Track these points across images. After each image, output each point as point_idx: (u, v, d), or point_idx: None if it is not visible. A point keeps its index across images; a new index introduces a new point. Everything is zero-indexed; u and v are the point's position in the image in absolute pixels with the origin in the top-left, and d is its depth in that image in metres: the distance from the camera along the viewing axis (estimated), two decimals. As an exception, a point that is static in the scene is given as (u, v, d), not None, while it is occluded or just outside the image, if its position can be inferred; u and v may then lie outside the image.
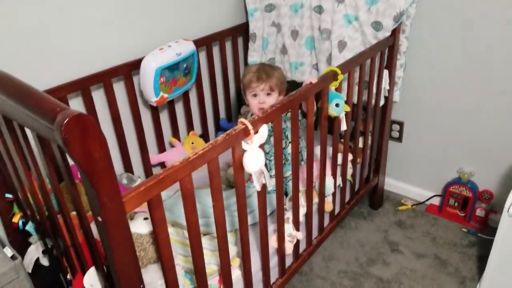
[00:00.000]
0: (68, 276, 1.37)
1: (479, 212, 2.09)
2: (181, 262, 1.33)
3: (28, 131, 1.02)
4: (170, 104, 1.98)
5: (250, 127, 1.12)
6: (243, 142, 1.14)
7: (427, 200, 2.29)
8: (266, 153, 1.67)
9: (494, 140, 1.95)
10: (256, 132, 1.15)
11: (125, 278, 0.90)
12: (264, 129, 1.17)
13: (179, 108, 2.07)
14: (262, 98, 1.64)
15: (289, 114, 1.42)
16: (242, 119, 1.13)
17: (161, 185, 0.92)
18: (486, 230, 2.07)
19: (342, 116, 1.52)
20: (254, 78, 1.63)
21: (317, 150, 1.65)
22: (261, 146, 1.18)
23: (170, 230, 1.37)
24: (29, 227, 1.42)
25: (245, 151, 1.14)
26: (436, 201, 2.27)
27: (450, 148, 2.11)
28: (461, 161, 2.11)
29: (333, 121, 1.57)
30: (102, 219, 0.81)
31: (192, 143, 2.08)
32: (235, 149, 1.12)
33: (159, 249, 0.99)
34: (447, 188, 2.15)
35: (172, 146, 2.08)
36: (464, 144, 2.06)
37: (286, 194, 1.68)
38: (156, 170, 2.05)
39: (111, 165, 0.78)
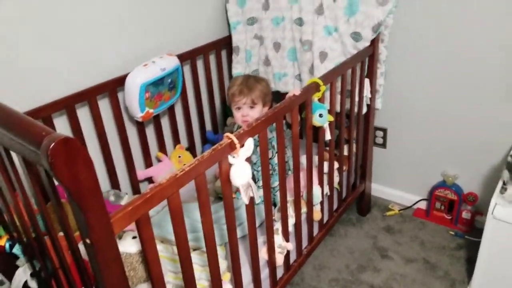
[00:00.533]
0: (57, 298, 1.35)
1: (465, 215, 2.13)
2: (171, 279, 1.33)
3: (13, 153, 1.02)
4: (156, 119, 1.98)
5: (236, 141, 1.13)
6: (229, 156, 1.15)
7: (413, 204, 2.32)
8: (253, 164, 1.69)
9: (476, 142, 2.00)
10: (242, 145, 1.16)
11: (116, 299, 0.90)
12: (250, 143, 1.18)
13: (164, 122, 2.07)
14: (245, 111, 1.66)
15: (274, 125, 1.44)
16: (227, 134, 1.14)
17: (149, 204, 0.92)
18: (473, 232, 2.10)
19: (326, 126, 1.55)
20: (236, 92, 1.66)
21: (303, 159, 1.67)
22: (248, 159, 1.19)
23: (159, 247, 1.37)
24: (16, 249, 1.39)
25: (231, 164, 1.15)
26: (422, 205, 2.31)
27: (433, 152, 2.15)
28: (445, 165, 2.15)
29: (317, 130, 1.60)
30: (90, 241, 0.80)
31: (179, 156, 2.08)
32: (221, 164, 1.13)
33: (149, 268, 0.98)
34: (432, 191, 2.18)
35: (159, 160, 2.07)
36: (447, 147, 2.10)
37: (275, 205, 1.69)
38: (143, 185, 2.04)
39: (98, 187, 0.78)
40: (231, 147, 1.13)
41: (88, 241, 0.81)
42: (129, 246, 1.18)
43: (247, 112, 1.65)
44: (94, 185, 0.77)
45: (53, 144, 0.70)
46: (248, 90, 1.64)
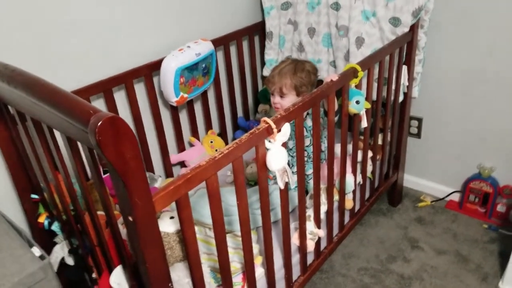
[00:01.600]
0: (94, 275, 1.40)
1: (500, 208, 2.06)
2: (204, 260, 1.35)
3: (56, 133, 1.05)
4: (189, 104, 2.00)
5: (273, 125, 1.12)
6: (266, 141, 1.15)
7: (446, 196, 2.27)
8: (289, 150, 1.68)
9: (515, 134, 1.93)
10: (279, 130, 1.15)
11: (155, 276, 0.92)
12: (286, 128, 1.17)
13: (197, 108, 2.09)
14: (276, 99, 1.64)
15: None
16: (265, 118, 1.13)
17: (189, 185, 0.93)
18: (508, 225, 2.04)
19: (363, 113, 1.52)
20: (270, 77, 1.65)
21: (337, 148, 1.65)
22: (284, 145, 1.19)
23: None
24: (55, 227, 1.44)
25: (268, 149, 1.15)
26: (455, 197, 2.25)
27: (469, 143, 2.09)
28: (481, 157, 2.08)
29: (353, 118, 1.57)
30: (133, 219, 0.82)
31: (211, 142, 2.10)
32: (258, 148, 1.13)
33: (186, 247, 1.00)
34: (467, 184, 2.13)
35: (191, 145, 2.09)
36: (484, 139, 2.03)
37: (307, 192, 1.69)
38: (175, 169, 2.07)
39: (142, 166, 0.80)
40: (268, 132, 1.13)
41: (130, 218, 0.83)
42: (167, 225, 1.20)
43: (278, 100, 1.64)
44: (139, 164, 0.79)
45: (100, 122, 0.72)
46: (279, 79, 1.62)
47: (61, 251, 1.48)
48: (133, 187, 0.79)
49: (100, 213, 1.22)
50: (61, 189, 1.24)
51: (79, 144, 1.00)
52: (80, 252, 1.41)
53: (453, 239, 2.03)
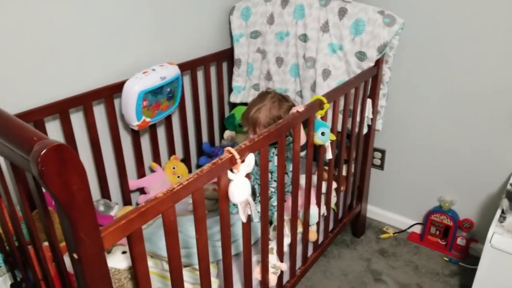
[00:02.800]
0: (38, 311, 1.29)
1: (460, 241, 2.09)
2: (160, 296, 1.27)
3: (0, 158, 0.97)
4: (152, 128, 1.93)
5: (237, 156, 1.08)
6: (229, 172, 1.10)
7: (408, 228, 2.29)
8: (255, 178, 1.64)
9: (475, 169, 1.97)
10: (242, 161, 1.12)
11: (101, 318, 0.84)
12: (250, 158, 1.14)
13: (160, 132, 2.02)
14: (251, 136, 1.63)
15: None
16: (229, 148, 1.10)
17: (143, 218, 0.87)
18: (467, 258, 2.07)
19: (328, 144, 1.51)
20: (244, 120, 1.66)
21: (302, 179, 1.63)
22: (248, 175, 1.15)
23: (149, 262, 1.31)
24: (-3, 258, 1.33)
25: (231, 180, 1.11)
26: (417, 229, 2.27)
27: (431, 176, 2.13)
28: (442, 190, 2.12)
29: (318, 149, 1.56)
30: (78, 257, 0.75)
31: (174, 167, 2.03)
32: (220, 179, 1.09)
33: (139, 286, 0.93)
34: (428, 216, 2.15)
35: (152, 171, 2.02)
36: (444, 173, 2.08)
37: (270, 223, 1.64)
38: (134, 196, 1.98)
39: (90, 199, 0.73)
40: (232, 162, 1.09)
41: (75, 256, 0.76)
42: (118, 261, 1.12)
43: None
44: (86, 196, 0.72)
45: (44, 150, 0.65)
46: (251, 123, 1.62)
47: (3, 284, 1.36)
48: (79, 222, 0.72)
49: (46, 244, 1.13)
50: (4, 217, 1.14)
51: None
52: (24, 287, 1.30)
53: (414, 272, 2.03)
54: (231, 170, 1.11)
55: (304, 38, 1.89)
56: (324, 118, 1.50)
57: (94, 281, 0.79)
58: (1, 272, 1.34)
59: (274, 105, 1.63)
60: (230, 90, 2.27)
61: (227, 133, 2.29)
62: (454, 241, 2.11)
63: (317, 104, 1.42)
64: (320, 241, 1.81)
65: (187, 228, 1.51)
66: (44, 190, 0.93)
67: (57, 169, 0.66)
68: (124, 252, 1.16)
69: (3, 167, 1.00)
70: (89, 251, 0.76)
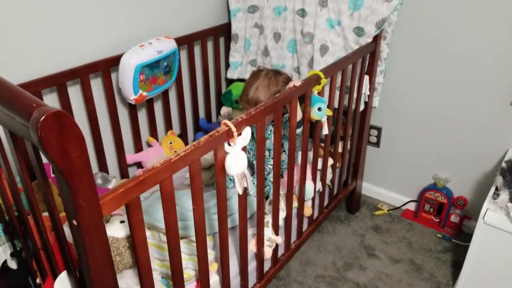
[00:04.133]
0: (38, 280, 1.31)
1: (454, 218, 2.13)
2: (157, 266, 1.29)
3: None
4: (149, 103, 1.93)
5: (233, 129, 1.09)
6: (225, 144, 1.11)
7: (403, 205, 2.32)
8: (254, 154, 1.65)
9: (470, 147, 1.99)
10: (239, 134, 1.12)
11: (101, 284, 0.86)
12: (247, 132, 1.15)
13: (157, 107, 2.03)
14: None
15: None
16: (225, 121, 1.10)
17: (141, 187, 0.88)
18: (460, 236, 2.11)
19: (324, 120, 1.52)
20: (244, 103, 1.65)
21: (297, 154, 1.64)
22: (244, 149, 1.16)
23: (147, 233, 1.33)
24: (-4, 228, 1.35)
25: (227, 153, 1.12)
26: (412, 206, 2.31)
27: (426, 154, 2.15)
28: (437, 168, 2.14)
29: (314, 125, 1.57)
30: (77, 223, 0.77)
31: (171, 142, 2.04)
32: (217, 151, 1.10)
33: (136, 253, 0.95)
34: (423, 193, 2.18)
35: (149, 145, 2.03)
36: (440, 150, 2.09)
37: (266, 198, 1.66)
38: (131, 170, 1.99)
39: (89, 166, 0.74)
40: (228, 135, 1.10)
41: (74, 222, 0.77)
42: (116, 230, 1.14)
43: None
44: (85, 163, 0.73)
45: (43, 117, 0.66)
46: (253, 103, 1.61)
47: (3, 253, 1.38)
48: (78, 189, 0.74)
49: (46, 214, 1.14)
50: (4, 188, 1.16)
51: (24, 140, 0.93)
52: (24, 256, 1.32)
53: (407, 248, 2.07)
54: (228, 143, 1.12)
55: (302, 13, 1.87)
56: (320, 94, 1.50)
57: (92, 247, 0.81)
58: (1, 242, 1.37)
59: (271, 81, 1.63)
60: (227, 65, 2.26)
61: (224, 109, 2.29)
62: (447, 218, 2.15)
63: (314, 79, 1.43)
64: (315, 216, 1.84)
65: (184, 201, 1.53)
66: (43, 160, 0.94)
67: (56, 135, 0.67)
68: (122, 222, 1.17)
69: (3, 137, 1.01)
70: (88, 217, 0.77)
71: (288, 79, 1.67)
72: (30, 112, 0.68)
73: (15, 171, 1.08)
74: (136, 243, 0.93)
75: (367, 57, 1.80)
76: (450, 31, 1.83)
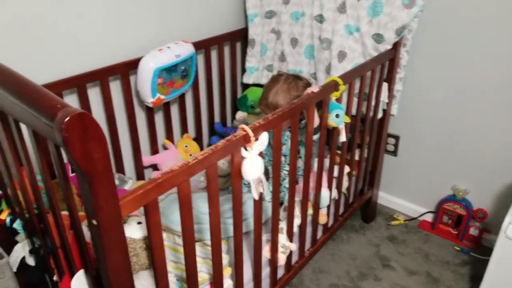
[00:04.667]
0: (54, 278, 1.33)
1: (473, 231, 2.08)
2: (171, 268, 1.30)
3: (23, 126, 0.99)
4: (166, 106, 1.95)
5: (251, 133, 1.09)
6: (242, 149, 1.11)
7: (420, 216, 2.28)
8: (270, 160, 1.65)
9: (491, 159, 1.95)
10: (256, 139, 1.12)
11: (118, 283, 0.87)
12: (264, 137, 1.14)
13: (174, 110, 2.04)
14: None
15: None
16: (243, 126, 1.10)
17: (159, 189, 0.89)
18: (479, 249, 2.06)
19: (342, 127, 1.51)
20: (264, 107, 1.64)
21: (314, 161, 1.64)
22: (261, 154, 1.16)
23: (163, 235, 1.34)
24: (17, 224, 1.37)
25: (244, 158, 1.12)
26: (429, 217, 2.27)
27: (445, 164, 2.11)
28: (456, 178, 2.10)
29: (331, 132, 1.56)
30: (97, 223, 0.77)
31: (186, 146, 2.05)
32: (234, 156, 1.10)
33: (153, 255, 0.95)
34: (441, 205, 2.14)
35: (165, 148, 2.04)
36: (459, 161, 2.06)
37: (281, 204, 1.66)
38: (147, 172, 2.01)
39: (110, 168, 0.75)
40: (245, 140, 1.10)
41: (94, 222, 0.78)
42: (133, 231, 1.15)
43: None
44: (106, 165, 0.74)
45: (68, 118, 0.67)
46: (272, 107, 1.60)
47: (22, 250, 1.41)
48: (99, 189, 0.74)
49: (65, 213, 1.16)
50: (25, 185, 1.17)
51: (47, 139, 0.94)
52: (42, 253, 1.34)
53: (424, 260, 2.03)
54: (245, 148, 1.12)
55: (320, 18, 1.87)
56: (338, 100, 1.49)
57: (111, 247, 0.81)
58: (20, 239, 1.39)
59: (292, 86, 1.62)
60: (244, 70, 2.27)
61: (239, 114, 2.30)
62: (466, 230, 2.10)
63: (332, 86, 1.42)
64: (329, 224, 1.82)
65: (198, 204, 1.54)
66: (65, 160, 0.95)
67: (79, 136, 0.68)
68: (139, 223, 1.18)
69: (25, 136, 1.03)
70: (108, 217, 0.78)
71: (308, 84, 1.67)
72: (55, 113, 0.69)
73: (36, 170, 1.10)
74: (153, 244, 0.93)
75: (386, 64, 1.79)
76: (471, 38, 1.80)
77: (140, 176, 1.94)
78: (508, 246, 1.50)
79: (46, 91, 0.77)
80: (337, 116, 1.45)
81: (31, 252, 1.36)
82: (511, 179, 1.92)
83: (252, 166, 1.12)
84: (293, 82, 1.63)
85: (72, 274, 1.16)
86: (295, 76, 1.68)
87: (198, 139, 2.17)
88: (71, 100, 1.60)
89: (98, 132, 0.71)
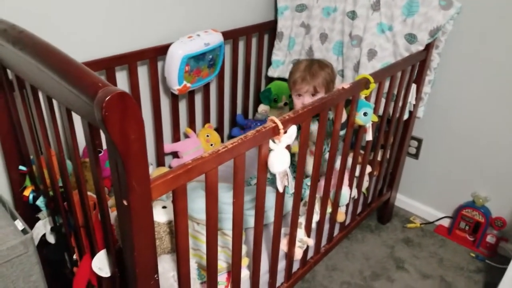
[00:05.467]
0: (74, 256, 1.34)
1: (490, 239, 2.05)
2: (190, 255, 1.30)
3: (55, 104, 1.00)
4: (190, 94, 1.95)
5: (280, 126, 1.09)
6: (270, 141, 1.11)
7: (437, 220, 2.26)
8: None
9: (513, 167, 1.92)
10: (285, 132, 1.12)
11: (143, 266, 0.87)
12: (293, 130, 1.14)
13: (198, 99, 2.04)
14: (306, 99, 1.60)
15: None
16: (272, 117, 1.10)
17: (189, 175, 0.89)
18: (495, 257, 2.04)
19: (369, 125, 1.49)
20: (299, 79, 1.59)
21: (336, 159, 1.62)
22: (288, 147, 1.15)
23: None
24: (40, 202, 1.39)
25: (271, 150, 1.11)
26: (445, 222, 2.24)
27: (466, 170, 2.08)
28: (477, 185, 2.07)
29: (357, 131, 1.54)
30: (128, 204, 0.78)
31: (207, 135, 2.05)
32: (261, 147, 1.09)
33: (177, 240, 0.96)
34: (459, 210, 2.11)
35: (186, 136, 2.05)
36: (481, 168, 2.02)
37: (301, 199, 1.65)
38: (167, 159, 2.02)
39: (145, 149, 0.75)
40: (274, 132, 1.09)
41: (125, 202, 0.79)
42: (159, 214, 1.16)
43: (308, 100, 1.59)
44: (142, 146, 0.75)
45: (109, 96, 0.67)
46: (311, 77, 1.58)
47: (43, 227, 1.42)
48: (133, 170, 0.75)
49: (89, 194, 1.17)
50: (52, 164, 1.19)
51: (75, 119, 0.95)
52: (63, 231, 1.35)
53: (438, 264, 2.01)
54: (273, 140, 1.11)
55: (352, 15, 1.85)
56: (367, 99, 1.47)
57: (140, 228, 0.82)
58: (42, 216, 1.41)
59: (320, 63, 1.64)
60: (269, 63, 2.25)
61: (262, 107, 2.29)
62: (483, 238, 2.07)
63: (363, 83, 1.40)
64: (347, 222, 1.81)
65: (219, 194, 1.54)
66: (103, 138, 0.96)
67: (119, 116, 0.69)
68: (164, 207, 1.19)
69: (57, 115, 1.04)
70: (139, 199, 0.79)
71: (332, 69, 1.66)
72: (95, 91, 0.69)
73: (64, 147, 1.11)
74: (178, 229, 0.94)
75: (416, 65, 1.76)
76: (506, 44, 1.76)
77: (160, 162, 1.95)
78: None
79: (88, 69, 0.77)
80: (365, 114, 1.44)
81: (52, 229, 1.37)
82: (534, 189, 1.89)
83: (279, 158, 1.11)
84: (317, 61, 1.66)
85: (93, 254, 1.17)
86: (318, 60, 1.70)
87: (219, 129, 2.17)
88: (99, 82, 1.61)
89: (137, 113, 0.71)
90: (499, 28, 1.75)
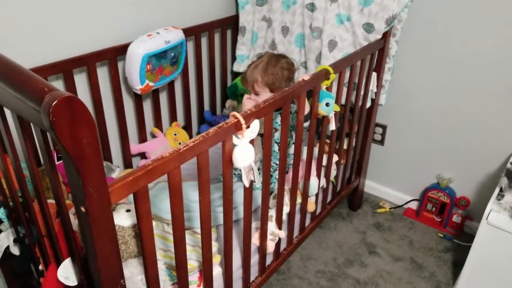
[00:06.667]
0: (40, 267, 1.31)
1: (456, 218, 2.12)
2: (160, 256, 1.29)
3: (7, 112, 0.96)
4: (154, 93, 1.92)
5: (242, 121, 1.09)
6: (234, 137, 1.11)
7: (405, 204, 2.32)
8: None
9: (474, 148, 1.99)
10: (247, 126, 1.12)
11: (107, 271, 0.86)
12: (256, 124, 1.14)
13: (163, 98, 2.02)
14: (252, 96, 1.61)
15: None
16: (234, 113, 1.09)
17: (149, 177, 0.88)
18: (462, 236, 2.11)
19: (332, 115, 1.51)
20: (243, 74, 1.61)
21: (303, 150, 1.64)
22: (252, 142, 1.15)
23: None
24: (1, 213, 1.34)
25: (235, 145, 1.11)
26: (414, 205, 2.30)
27: (430, 153, 2.14)
28: (441, 167, 2.14)
29: (321, 121, 1.56)
30: (86, 210, 0.76)
31: (175, 134, 2.03)
32: (225, 143, 1.09)
33: (143, 243, 0.94)
34: (425, 193, 2.18)
35: (153, 136, 2.02)
36: (444, 150, 2.09)
37: (270, 193, 1.66)
38: (135, 160, 1.99)
39: (99, 153, 0.73)
40: (237, 127, 1.09)
41: (83, 209, 0.77)
42: (123, 219, 1.13)
43: (254, 97, 1.60)
44: (96, 150, 0.73)
45: (56, 101, 0.65)
46: (250, 76, 1.58)
47: (6, 239, 1.38)
48: (88, 176, 0.73)
49: (50, 201, 1.14)
50: (9, 173, 1.15)
51: (32, 125, 0.92)
52: (27, 242, 1.31)
53: (409, 246, 2.07)
54: (236, 136, 1.11)
55: (312, 7, 1.86)
56: (328, 89, 1.49)
57: (100, 235, 0.80)
58: (4, 228, 1.36)
59: (271, 61, 1.59)
60: (234, 58, 2.25)
61: (229, 102, 2.28)
62: (449, 218, 2.14)
63: (323, 74, 1.42)
64: (317, 212, 1.83)
65: (188, 193, 1.53)
66: (51, 147, 0.93)
67: (67, 120, 0.67)
68: (128, 211, 1.17)
69: (10, 122, 1.00)
70: (97, 204, 0.77)
71: (291, 64, 1.64)
72: (42, 96, 0.67)
73: (21, 157, 1.08)
74: (142, 232, 0.92)
75: (375, 54, 1.79)
76: (460, 30, 1.82)
77: (127, 164, 1.91)
78: (489, 233, 1.54)
79: (33, 74, 0.74)
80: (327, 104, 1.45)
81: (15, 241, 1.33)
82: (493, 168, 1.96)
83: (244, 153, 1.11)
84: (273, 58, 1.60)
85: (58, 263, 1.14)
86: (279, 55, 1.66)
87: (187, 127, 2.16)
88: (57, 86, 1.56)
89: (86, 116, 0.69)
90: (451, 14, 1.81)
